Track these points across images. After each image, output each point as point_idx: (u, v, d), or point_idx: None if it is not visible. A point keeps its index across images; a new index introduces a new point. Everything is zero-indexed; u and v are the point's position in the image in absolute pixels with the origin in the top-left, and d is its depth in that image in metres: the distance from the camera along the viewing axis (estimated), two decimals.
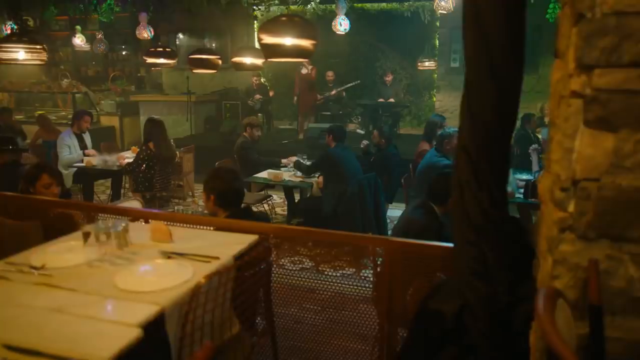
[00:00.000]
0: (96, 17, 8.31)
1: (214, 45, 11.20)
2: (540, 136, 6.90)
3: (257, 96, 9.40)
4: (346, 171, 4.85)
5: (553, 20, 6.79)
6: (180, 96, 9.87)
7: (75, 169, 5.74)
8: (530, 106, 9.38)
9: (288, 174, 5.36)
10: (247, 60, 5.66)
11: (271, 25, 3.38)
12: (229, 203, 2.58)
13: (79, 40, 8.43)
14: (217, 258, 1.76)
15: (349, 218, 4.73)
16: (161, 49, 6.08)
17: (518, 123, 7.68)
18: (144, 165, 5.53)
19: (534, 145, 4.95)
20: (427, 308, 1.87)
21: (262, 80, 9.84)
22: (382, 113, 9.27)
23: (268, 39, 3.36)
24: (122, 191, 6.39)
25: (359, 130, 10.12)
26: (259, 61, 5.71)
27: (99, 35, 8.19)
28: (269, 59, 3.49)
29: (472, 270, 1.71)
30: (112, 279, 1.60)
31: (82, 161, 5.71)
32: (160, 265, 1.67)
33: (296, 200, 6.29)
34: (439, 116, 5.47)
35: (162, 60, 5.97)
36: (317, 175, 5.14)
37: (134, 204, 3.99)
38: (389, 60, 10.01)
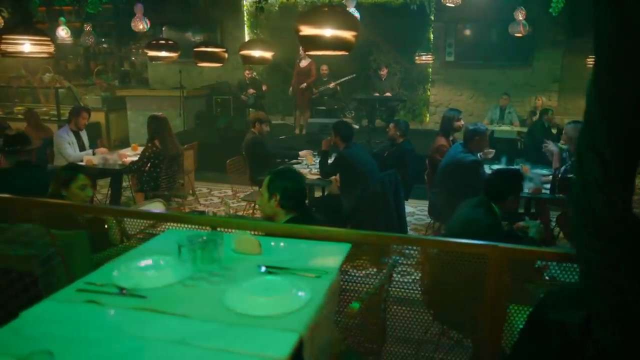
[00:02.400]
0: (77, 8, 7.90)
1: (198, 38, 10.86)
2: (554, 130, 6.92)
3: (251, 90, 9.15)
4: (365, 170, 4.70)
5: (557, 14, 6.78)
6: (169, 91, 9.53)
7: None
8: (524, 100, 9.44)
9: (304, 172, 5.17)
10: (256, 53, 5.44)
11: (310, 15, 3.19)
12: (295, 204, 2.42)
13: (63, 33, 7.97)
14: (326, 272, 1.58)
15: (371, 216, 4.59)
16: (163, 42, 5.78)
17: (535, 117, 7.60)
18: (149, 164, 5.26)
19: (550, 144, 4.90)
20: (545, 318, 1.75)
21: (254, 74, 9.58)
22: (378, 107, 9.16)
23: (307, 30, 3.17)
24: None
25: (353, 125, 9.98)
26: (268, 54, 5.49)
27: (87, 28, 7.75)
28: (307, 52, 3.29)
29: (601, 278, 1.59)
30: (220, 301, 1.41)
31: (81, 160, 5.39)
32: (271, 283, 1.48)
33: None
34: (455, 110, 5.36)
35: (164, 54, 5.67)
36: None
37: (157, 206, 3.76)
38: (382, 54, 9.89)
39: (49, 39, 3.88)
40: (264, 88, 9.40)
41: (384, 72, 9.12)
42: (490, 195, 2.89)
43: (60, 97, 9.06)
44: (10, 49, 3.71)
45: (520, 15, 6.61)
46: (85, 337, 1.23)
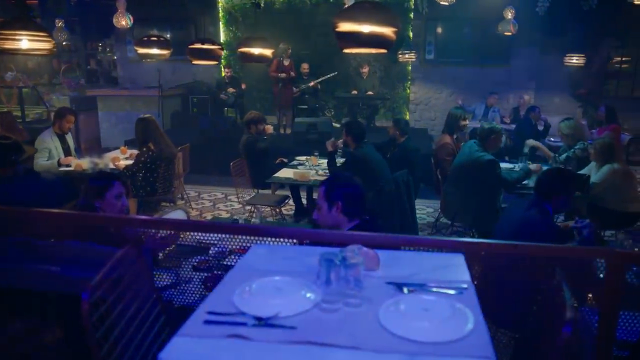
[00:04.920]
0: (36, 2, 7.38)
1: (170, 35, 10.45)
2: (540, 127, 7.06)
3: (231, 89, 8.87)
4: (378, 170, 4.60)
5: (543, 14, 6.91)
6: (143, 90, 9.10)
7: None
8: (502, 97, 9.63)
9: (310, 173, 5.01)
10: (256, 50, 5.23)
11: (349, 11, 3.05)
12: (359, 210, 2.29)
13: None
14: (465, 287, 1.46)
15: (387, 217, 4.49)
16: (155, 38, 5.44)
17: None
18: (144, 169, 4.96)
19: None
20: None
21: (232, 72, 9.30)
22: (361, 105, 9.11)
23: (345, 26, 3.02)
24: None
25: (333, 124, 9.89)
26: (267, 51, 5.30)
27: (59, 24, 7.21)
28: (344, 50, 3.15)
29: None
30: (380, 327, 1.25)
31: (69, 165, 5.01)
32: (426, 303, 1.33)
33: (302, 199, 5.94)
34: (460, 109, 5.36)
35: (155, 51, 5.34)
36: None
37: (179, 214, 3.51)
38: None
39: (47, 34, 3.54)
40: (243, 86, 9.14)
41: (365, 69, 9.04)
42: (539, 195, 2.87)
43: (24, 96, 8.47)
44: (7, 45, 3.36)
45: (509, 14, 6.69)
46: None
